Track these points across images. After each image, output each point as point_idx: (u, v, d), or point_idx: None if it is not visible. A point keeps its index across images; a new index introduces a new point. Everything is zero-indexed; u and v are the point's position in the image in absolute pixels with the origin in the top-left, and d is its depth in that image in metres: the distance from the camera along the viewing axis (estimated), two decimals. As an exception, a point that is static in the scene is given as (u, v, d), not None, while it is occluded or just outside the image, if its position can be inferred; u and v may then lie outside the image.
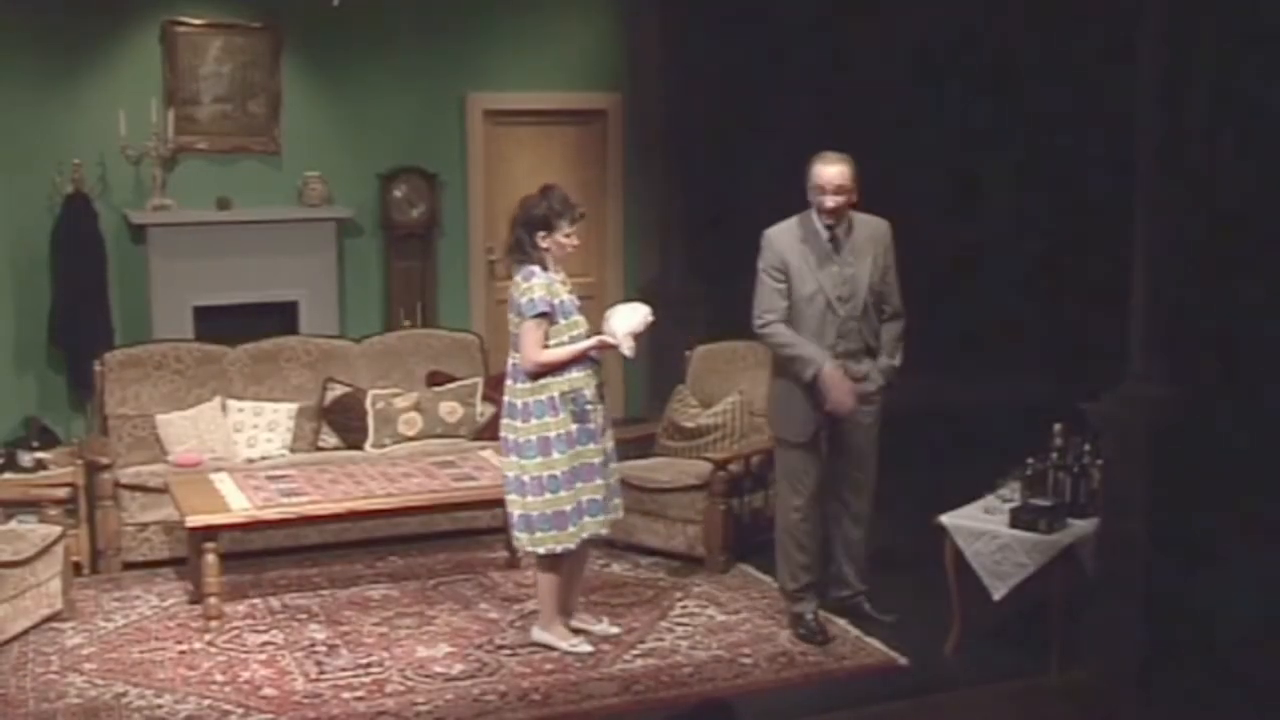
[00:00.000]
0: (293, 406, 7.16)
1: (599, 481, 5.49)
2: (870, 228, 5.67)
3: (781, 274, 5.53)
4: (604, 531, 5.62)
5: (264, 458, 6.93)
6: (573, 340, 5.41)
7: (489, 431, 7.21)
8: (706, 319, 8.20)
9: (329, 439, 7.19)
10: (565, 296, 5.44)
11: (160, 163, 8.18)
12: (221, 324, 8.00)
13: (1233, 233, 5.58)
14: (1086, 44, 8.92)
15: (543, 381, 5.37)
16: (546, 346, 5.36)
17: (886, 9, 9.01)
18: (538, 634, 5.66)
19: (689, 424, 7.01)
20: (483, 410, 7.35)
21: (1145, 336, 5.11)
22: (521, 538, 5.50)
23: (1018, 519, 5.32)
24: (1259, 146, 6.01)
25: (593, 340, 5.43)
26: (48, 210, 8.03)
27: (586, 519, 5.46)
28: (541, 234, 5.36)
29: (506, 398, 5.48)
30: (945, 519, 5.48)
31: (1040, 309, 9.48)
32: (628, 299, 9.32)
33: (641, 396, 9.26)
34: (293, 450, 7.07)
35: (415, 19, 8.75)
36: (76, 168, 7.99)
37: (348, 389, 7.26)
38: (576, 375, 5.41)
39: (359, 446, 7.14)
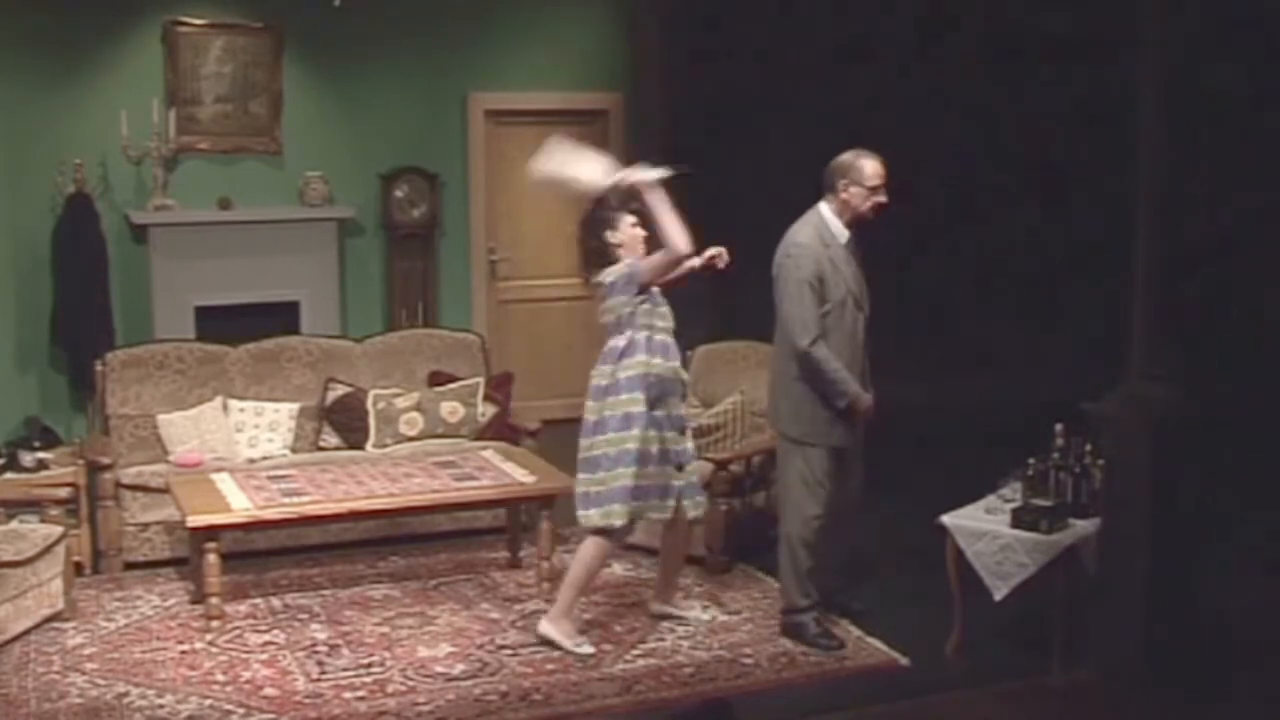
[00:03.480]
0: (294, 406, 7.16)
1: (665, 468, 5.53)
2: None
3: (820, 283, 5.48)
4: (666, 516, 5.59)
5: (265, 458, 6.93)
6: (654, 330, 5.49)
7: (490, 431, 7.22)
8: (707, 319, 8.20)
9: (330, 439, 7.19)
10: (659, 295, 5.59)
11: (162, 163, 8.20)
12: (223, 324, 8.01)
13: (1234, 232, 5.59)
14: (1087, 40, 8.92)
15: (629, 361, 5.45)
16: (650, 327, 5.48)
17: (887, 5, 9.01)
18: (544, 627, 5.65)
19: (690, 424, 6.99)
20: (484, 410, 7.35)
21: (1145, 336, 5.11)
22: (592, 514, 5.50)
23: (1019, 519, 5.32)
24: (1261, 145, 6.01)
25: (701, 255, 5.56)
26: (49, 210, 8.05)
27: (654, 500, 5.52)
28: (609, 232, 5.50)
29: (597, 381, 5.51)
30: (946, 519, 5.48)
31: (1042, 308, 9.48)
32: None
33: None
34: (294, 450, 7.07)
35: (417, 19, 8.76)
36: (78, 168, 8.01)
37: (349, 389, 7.26)
38: (657, 362, 5.49)
39: (360, 446, 7.14)
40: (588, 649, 5.57)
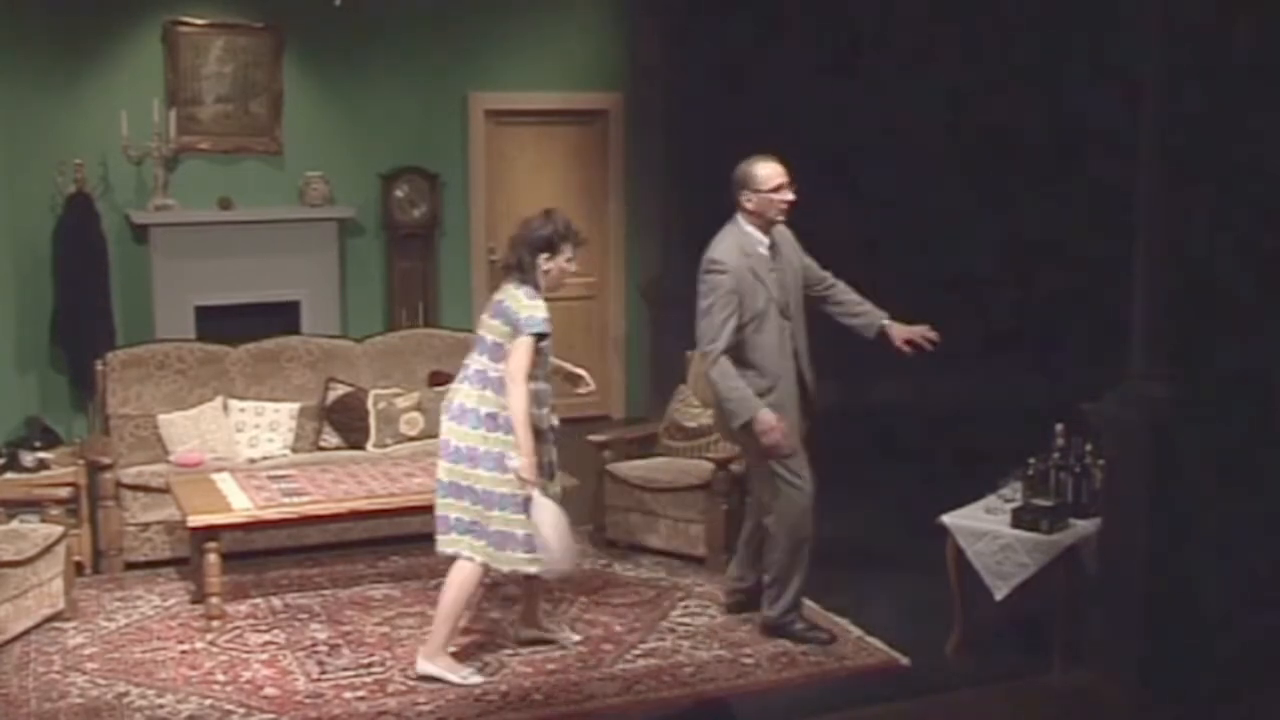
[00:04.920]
0: (294, 406, 7.16)
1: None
2: (780, 233, 5.64)
3: (736, 299, 5.43)
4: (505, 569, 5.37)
5: (266, 458, 6.93)
6: (541, 376, 5.28)
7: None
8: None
9: (330, 439, 7.20)
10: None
11: (162, 163, 8.20)
12: (223, 324, 8.01)
13: (1234, 233, 5.58)
14: (1093, 35, 8.93)
15: (503, 400, 5.19)
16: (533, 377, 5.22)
17: (887, 6, 9.02)
18: (424, 666, 5.35)
19: (690, 424, 7.01)
20: (484, 410, 7.34)
21: (1145, 336, 5.11)
22: (520, 556, 5.26)
23: (1019, 519, 5.32)
24: (1261, 145, 6.00)
25: (531, 465, 5.17)
26: (50, 210, 8.05)
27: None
28: (545, 256, 5.24)
29: (485, 409, 5.22)
30: (947, 519, 5.48)
31: (1043, 308, 9.49)
32: (628, 299, 9.41)
33: (643, 396, 9.28)
34: (294, 450, 7.07)
35: (417, 19, 8.76)
36: (79, 168, 8.01)
37: (349, 389, 7.27)
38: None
39: (360, 446, 7.14)
40: (476, 679, 5.33)
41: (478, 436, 5.23)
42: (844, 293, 5.83)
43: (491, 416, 5.22)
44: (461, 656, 5.54)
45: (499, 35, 8.99)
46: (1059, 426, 5.48)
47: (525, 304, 5.21)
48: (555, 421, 5.41)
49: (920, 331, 5.69)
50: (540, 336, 5.19)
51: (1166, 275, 5.06)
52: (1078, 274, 9.28)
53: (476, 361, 5.30)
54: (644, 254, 9.36)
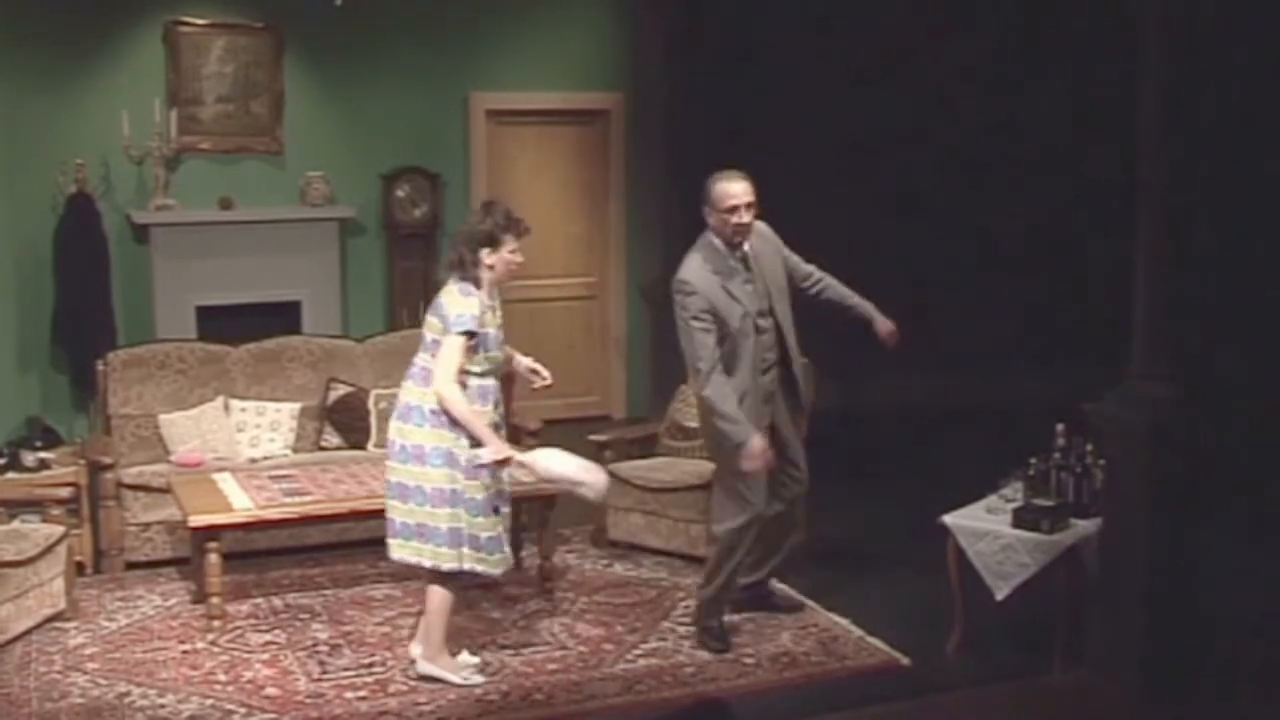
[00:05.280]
0: (295, 406, 7.16)
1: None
2: (759, 234, 5.58)
3: (710, 316, 5.39)
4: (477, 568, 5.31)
5: (266, 457, 6.93)
6: (485, 373, 5.22)
7: (491, 431, 7.21)
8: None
9: (331, 439, 7.20)
10: (493, 330, 5.21)
11: (163, 162, 8.20)
12: (224, 324, 8.01)
13: (1234, 232, 5.59)
14: (1092, 37, 8.93)
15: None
16: (466, 372, 5.13)
17: (885, 6, 9.02)
18: (426, 668, 5.36)
19: (691, 424, 7.00)
20: (485, 410, 7.35)
21: (1146, 336, 5.11)
22: (450, 553, 5.21)
23: (1020, 519, 5.32)
24: (1261, 145, 6.01)
25: (500, 447, 5.14)
26: (51, 210, 8.05)
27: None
28: (486, 250, 5.14)
29: (429, 405, 5.14)
30: (948, 518, 5.49)
31: (1044, 308, 9.49)
32: (628, 298, 9.41)
33: (644, 396, 9.28)
34: (295, 450, 7.07)
35: (418, 19, 8.77)
36: (80, 168, 8.01)
37: (350, 389, 7.27)
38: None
39: (361, 446, 7.14)
40: (478, 678, 5.35)
41: (423, 434, 5.18)
42: (832, 290, 5.80)
43: (435, 413, 5.16)
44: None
45: (499, 35, 9.00)
46: (1059, 426, 5.48)
47: (458, 301, 5.14)
48: (496, 420, 5.32)
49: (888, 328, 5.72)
50: (470, 335, 5.10)
51: (1166, 275, 5.07)
52: (1078, 273, 9.30)
53: (421, 359, 5.26)
54: (644, 254, 9.36)
